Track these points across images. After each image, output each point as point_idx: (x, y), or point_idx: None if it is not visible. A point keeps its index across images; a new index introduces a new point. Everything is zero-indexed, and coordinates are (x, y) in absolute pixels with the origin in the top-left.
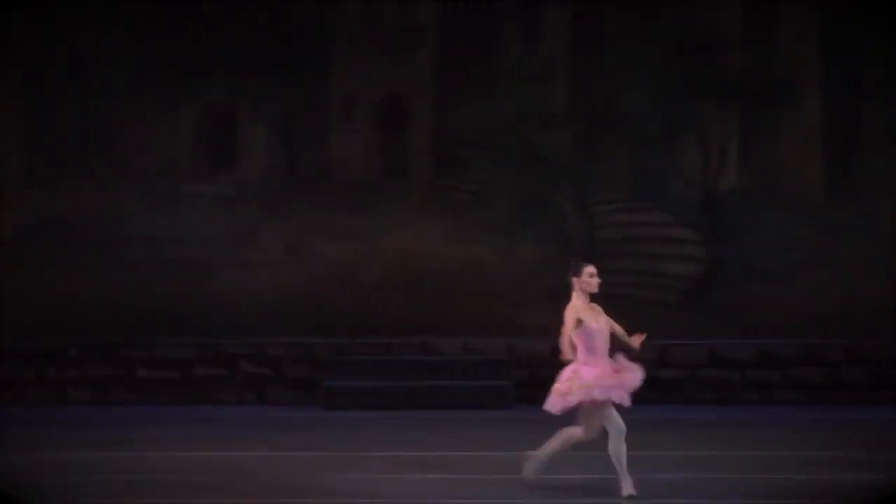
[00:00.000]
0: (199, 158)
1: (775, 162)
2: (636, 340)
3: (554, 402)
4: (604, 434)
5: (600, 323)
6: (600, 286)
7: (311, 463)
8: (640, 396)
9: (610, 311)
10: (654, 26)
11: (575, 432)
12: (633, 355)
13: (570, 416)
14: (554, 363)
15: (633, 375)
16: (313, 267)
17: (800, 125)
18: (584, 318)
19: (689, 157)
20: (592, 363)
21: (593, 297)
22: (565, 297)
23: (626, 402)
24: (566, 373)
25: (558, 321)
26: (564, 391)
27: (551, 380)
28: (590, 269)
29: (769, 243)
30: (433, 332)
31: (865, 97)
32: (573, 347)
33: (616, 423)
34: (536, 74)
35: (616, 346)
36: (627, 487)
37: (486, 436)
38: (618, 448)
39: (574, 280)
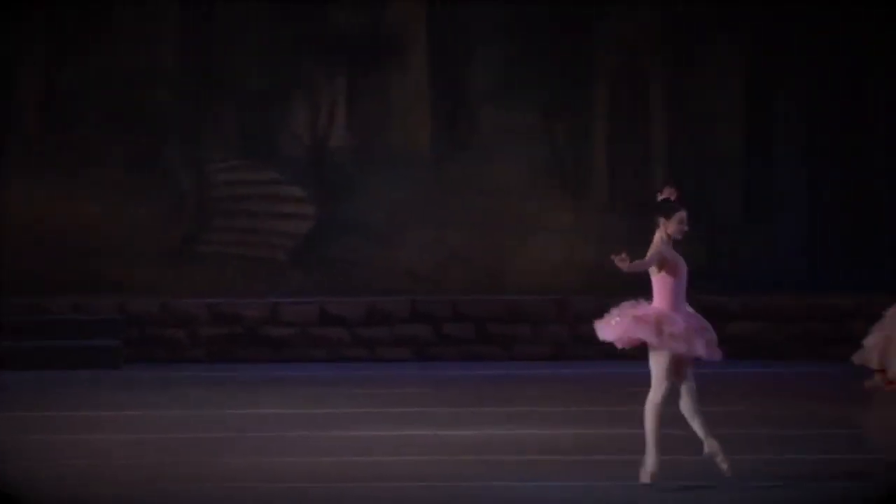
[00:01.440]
0: None
1: (383, 120)
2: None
3: (616, 331)
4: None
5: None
6: (212, 245)
7: None
8: (250, 355)
9: (229, 269)
10: None
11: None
12: None
13: None
14: (163, 322)
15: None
16: None
17: (407, 83)
18: (671, 260)
19: (298, 114)
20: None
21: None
22: (188, 255)
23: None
24: (642, 309)
25: (170, 279)
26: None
27: (162, 339)
28: (682, 214)
29: (377, 201)
30: (43, 291)
31: (471, 55)
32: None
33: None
34: (145, 30)
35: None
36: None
37: (98, 395)
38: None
39: (661, 221)
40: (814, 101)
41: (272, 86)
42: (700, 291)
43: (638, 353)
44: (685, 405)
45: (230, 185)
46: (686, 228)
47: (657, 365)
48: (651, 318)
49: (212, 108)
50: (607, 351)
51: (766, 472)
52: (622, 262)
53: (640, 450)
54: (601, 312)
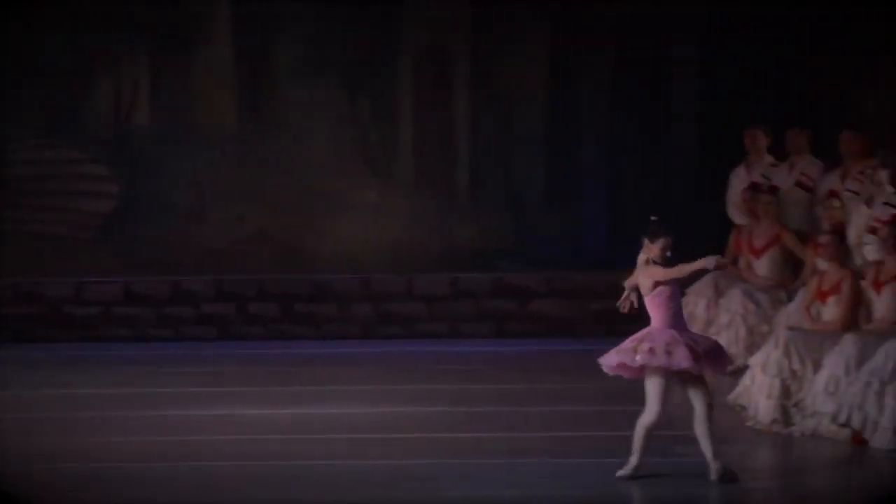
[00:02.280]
0: None
1: (187, 98)
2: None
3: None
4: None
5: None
6: (15, 223)
7: None
8: (55, 335)
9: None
10: None
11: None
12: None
13: None
14: None
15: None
16: None
17: (212, 61)
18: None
19: (101, 93)
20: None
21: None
22: None
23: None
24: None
25: None
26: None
27: None
28: (667, 241)
29: (182, 179)
30: None
31: (276, 33)
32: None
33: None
34: None
35: None
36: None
37: None
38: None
39: (646, 243)
40: (616, 78)
41: (75, 64)
42: (503, 270)
43: (448, 332)
44: (695, 425)
45: (33, 164)
46: (668, 255)
47: (649, 386)
48: (634, 340)
49: (12, 86)
50: (414, 330)
51: (571, 450)
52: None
53: (443, 427)
54: (407, 291)
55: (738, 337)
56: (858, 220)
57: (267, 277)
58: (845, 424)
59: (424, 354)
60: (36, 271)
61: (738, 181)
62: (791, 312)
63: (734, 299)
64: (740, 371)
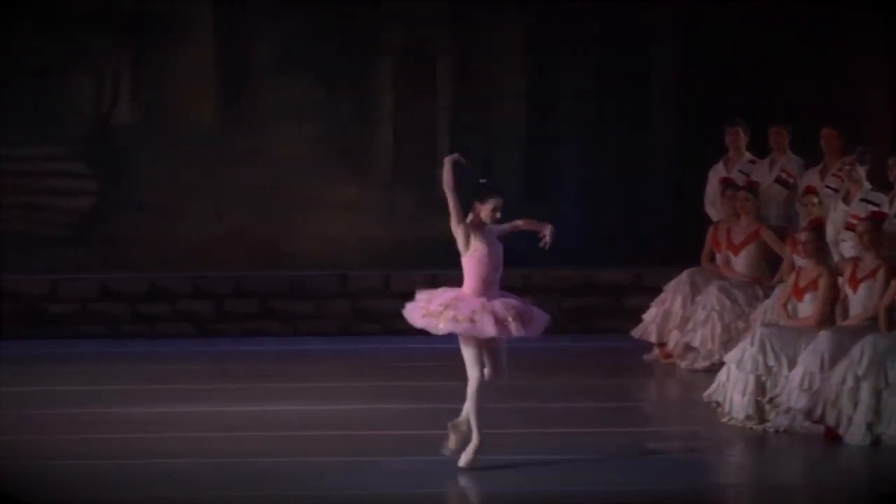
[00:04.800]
0: None
1: (167, 95)
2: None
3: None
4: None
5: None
6: None
7: None
8: (27, 333)
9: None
10: None
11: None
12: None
13: None
14: None
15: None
16: None
17: (191, 58)
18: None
19: (81, 89)
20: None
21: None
22: None
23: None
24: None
25: None
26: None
27: None
28: (497, 201)
29: (159, 176)
30: None
31: (255, 29)
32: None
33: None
34: None
35: None
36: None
37: None
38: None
39: (475, 204)
40: (597, 74)
41: (54, 60)
42: None
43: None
44: (467, 393)
45: (9, 161)
46: (499, 216)
47: (464, 352)
48: (442, 305)
49: None
50: (390, 327)
51: (548, 447)
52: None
53: (419, 424)
54: (383, 287)
55: (714, 333)
56: (836, 216)
57: (244, 275)
58: (819, 421)
59: (401, 351)
60: (11, 268)
61: (717, 178)
62: (768, 309)
63: (711, 295)
64: (716, 367)
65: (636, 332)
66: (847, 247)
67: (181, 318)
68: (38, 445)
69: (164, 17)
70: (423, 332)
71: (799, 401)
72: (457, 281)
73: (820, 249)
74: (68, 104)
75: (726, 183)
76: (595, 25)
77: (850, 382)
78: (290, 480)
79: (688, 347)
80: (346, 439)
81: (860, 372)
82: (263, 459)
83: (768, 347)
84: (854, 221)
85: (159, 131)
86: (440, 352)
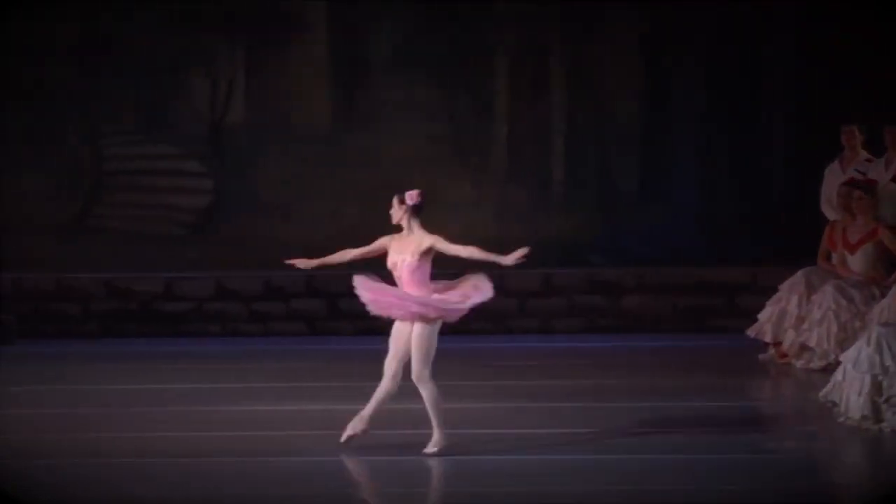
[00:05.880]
0: None
1: (282, 94)
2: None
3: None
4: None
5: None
6: (107, 219)
7: None
8: (144, 330)
9: (124, 244)
10: None
11: None
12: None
13: None
14: (57, 297)
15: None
16: None
17: (307, 57)
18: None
19: (196, 88)
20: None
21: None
22: (83, 230)
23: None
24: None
25: (64, 254)
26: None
27: (56, 314)
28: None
29: (272, 176)
30: None
31: (371, 29)
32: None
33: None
34: (42, 1)
35: None
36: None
37: None
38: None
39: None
40: (711, 73)
41: (171, 59)
42: (595, 265)
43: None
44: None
45: (126, 160)
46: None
47: (430, 340)
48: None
49: (109, 81)
50: (504, 325)
51: (661, 446)
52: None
53: (533, 423)
54: (497, 286)
55: (829, 332)
56: None
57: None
58: None
59: (512, 350)
60: (127, 267)
61: (833, 177)
62: (884, 308)
63: (827, 295)
64: (832, 367)
65: (751, 332)
66: None
67: (295, 317)
68: (143, 444)
69: (279, 16)
70: (539, 332)
71: None
72: (571, 279)
73: None
74: (183, 103)
75: (846, 182)
76: (708, 24)
77: None
78: (401, 478)
79: (803, 347)
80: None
81: None
82: (377, 458)
83: (885, 347)
84: None
85: (274, 130)
86: (551, 351)
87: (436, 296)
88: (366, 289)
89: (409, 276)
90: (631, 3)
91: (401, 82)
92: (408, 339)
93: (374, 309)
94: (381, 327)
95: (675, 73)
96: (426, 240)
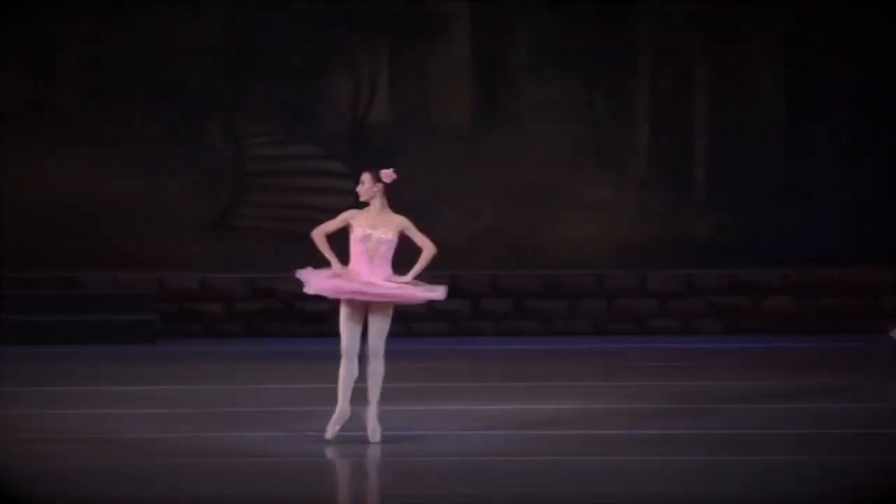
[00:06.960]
0: None
1: (423, 94)
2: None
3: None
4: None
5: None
6: (250, 219)
7: None
8: (286, 329)
9: (266, 244)
10: None
11: None
12: None
13: None
14: (200, 296)
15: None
16: None
17: (448, 57)
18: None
19: (338, 89)
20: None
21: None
22: (227, 230)
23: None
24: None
25: (207, 254)
26: None
27: (199, 313)
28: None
29: (416, 175)
30: (80, 266)
31: (512, 29)
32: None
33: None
34: (185, 3)
35: None
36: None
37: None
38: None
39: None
40: (854, 74)
41: (313, 60)
42: (738, 266)
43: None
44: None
45: (269, 160)
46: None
47: (386, 322)
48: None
49: (252, 81)
50: (645, 326)
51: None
52: None
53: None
54: (638, 287)
55: None
56: None
57: (499, 273)
58: None
59: (656, 350)
60: (269, 267)
61: None
62: None
63: None
64: None
65: (895, 333)
66: None
67: (436, 317)
68: (283, 442)
69: (420, 17)
70: (680, 332)
71: None
72: (714, 279)
73: None
74: (326, 104)
75: None
76: (851, 26)
77: None
78: (541, 478)
79: None
80: (597, 440)
81: None
82: (515, 458)
83: None
84: None
85: (416, 130)
86: (694, 352)
87: (406, 284)
88: (324, 278)
89: (386, 252)
90: (775, 5)
91: (542, 82)
92: (361, 321)
93: (344, 295)
94: (525, 328)
95: (818, 75)
96: (403, 220)
